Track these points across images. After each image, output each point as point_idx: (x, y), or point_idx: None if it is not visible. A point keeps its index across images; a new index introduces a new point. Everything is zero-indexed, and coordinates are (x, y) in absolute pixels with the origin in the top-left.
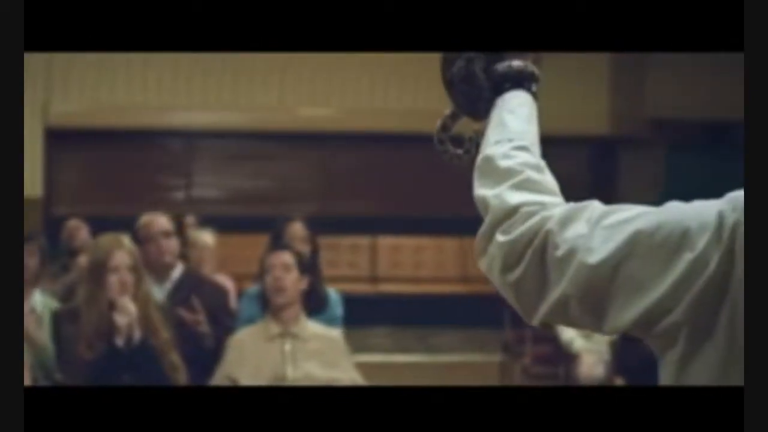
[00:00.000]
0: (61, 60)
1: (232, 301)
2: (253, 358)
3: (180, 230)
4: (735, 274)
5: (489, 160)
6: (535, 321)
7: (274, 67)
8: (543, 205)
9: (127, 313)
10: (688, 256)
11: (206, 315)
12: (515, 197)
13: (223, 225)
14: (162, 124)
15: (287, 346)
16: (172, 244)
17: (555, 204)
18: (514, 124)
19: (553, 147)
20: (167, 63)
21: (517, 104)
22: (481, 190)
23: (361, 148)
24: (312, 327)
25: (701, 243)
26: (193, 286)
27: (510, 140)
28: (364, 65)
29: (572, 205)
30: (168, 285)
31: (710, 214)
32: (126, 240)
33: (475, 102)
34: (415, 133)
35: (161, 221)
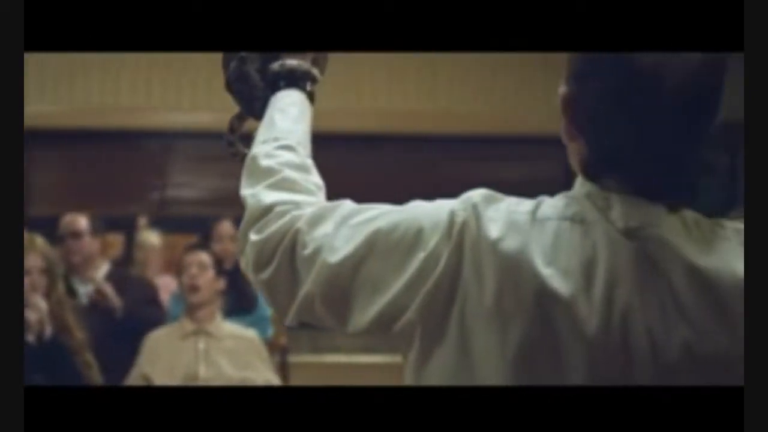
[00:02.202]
0: (34, 60)
1: (168, 300)
2: (166, 357)
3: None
4: (463, 273)
5: (252, 159)
6: (288, 321)
7: None
8: (296, 205)
9: (36, 309)
10: (420, 255)
11: (128, 307)
12: (270, 196)
13: (198, 225)
14: (136, 124)
15: (201, 345)
16: (80, 245)
17: (309, 203)
18: (281, 123)
19: (535, 148)
20: (142, 63)
21: (287, 103)
22: (243, 190)
23: (337, 148)
24: (228, 326)
25: (432, 242)
26: (118, 284)
27: (275, 139)
28: (338, 65)
29: (324, 204)
30: (92, 284)
31: (443, 212)
32: (39, 240)
33: (251, 102)
34: (392, 134)
35: (70, 221)
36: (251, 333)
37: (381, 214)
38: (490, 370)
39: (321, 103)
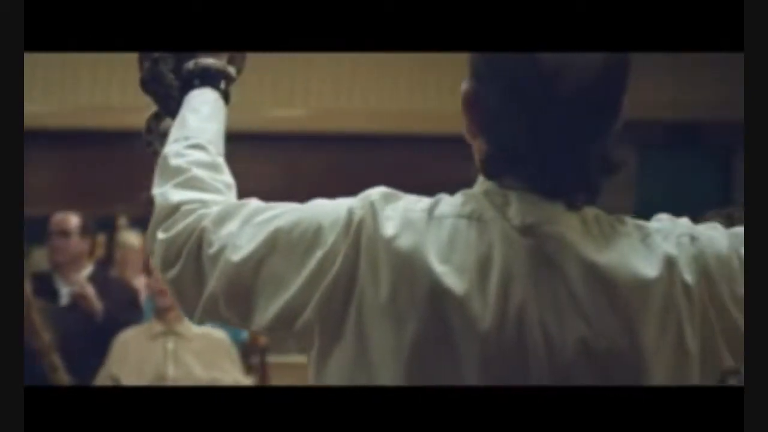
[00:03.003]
0: (27, 61)
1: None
2: (135, 357)
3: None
4: (360, 271)
5: (163, 158)
6: (195, 320)
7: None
8: (203, 203)
9: None
10: (318, 253)
11: (109, 309)
12: (177, 195)
13: None
14: (127, 125)
15: (170, 345)
16: (67, 245)
17: (216, 202)
18: (192, 122)
19: None
20: (133, 64)
21: (200, 102)
22: (153, 189)
23: (328, 149)
24: (197, 327)
25: (330, 239)
26: (100, 286)
27: (186, 138)
28: (328, 66)
29: (230, 202)
30: (75, 286)
31: (342, 210)
32: None
33: (167, 101)
34: (383, 134)
35: (60, 220)
36: (220, 334)
37: (284, 213)
38: (386, 368)
39: (314, 104)
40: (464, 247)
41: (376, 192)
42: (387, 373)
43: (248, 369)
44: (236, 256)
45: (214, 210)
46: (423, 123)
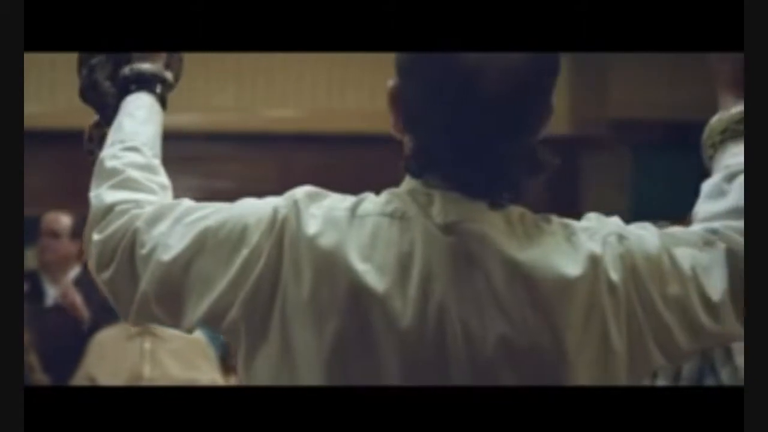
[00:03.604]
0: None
1: None
2: (112, 357)
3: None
4: (284, 269)
5: (99, 161)
6: (129, 321)
7: (229, 67)
8: (137, 204)
9: None
10: (244, 252)
11: (92, 312)
12: (112, 196)
13: None
14: None
15: (147, 345)
16: (57, 245)
17: (150, 203)
18: (128, 126)
19: None
20: None
21: (135, 106)
22: (90, 192)
23: (321, 149)
24: None
25: (255, 238)
26: (86, 287)
27: (121, 141)
28: (321, 65)
29: (163, 203)
30: (61, 286)
31: (267, 209)
32: None
33: (104, 109)
34: (376, 135)
35: (51, 220)
36: (197, 334)
37: (213, 212)
38: (308, 366)
39: (307, 104)
40: (386, 246)
41: (301, 191)
42: (308, 371)
43: (228, 370)
44: (166, 256)
45: (147, 210)
46: None
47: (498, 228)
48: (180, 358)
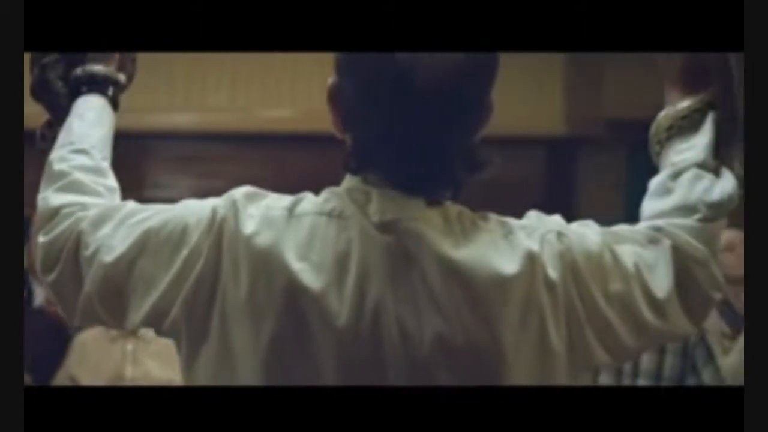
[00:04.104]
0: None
1: None
2: (93, 358)
3: None
4: (223, 269)
5: (48, 164)
6: (75, 322)
7: (225, 67)
8: (83, 206)
9: None
10: (184, 253)
11: None
12: (58, 199)
13: None
14: (124, 126)
15: (129, 346)
16: None
17: (96, 205)
18: (78, 128)
19: (507, 148)
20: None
21: (86, 108)
22: (38, 194)
23: (316, 149)
24: None
25: (195, 238)
26: None
27: (71, 143)
28: (317, 66)
29: (108, 204)
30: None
31: (207, 209)
32: None
33: (55, 109)
34: None
35: None
36: None
37: (155, 213)
38: (246, 366)
39: (302, 105)
40: (323, 245)
41: (240, 191)
42: (247, 371)
43: None
44: (109, 257)
45: (92, 212)
46: None
47: (435, 226)
48: (162, 359)
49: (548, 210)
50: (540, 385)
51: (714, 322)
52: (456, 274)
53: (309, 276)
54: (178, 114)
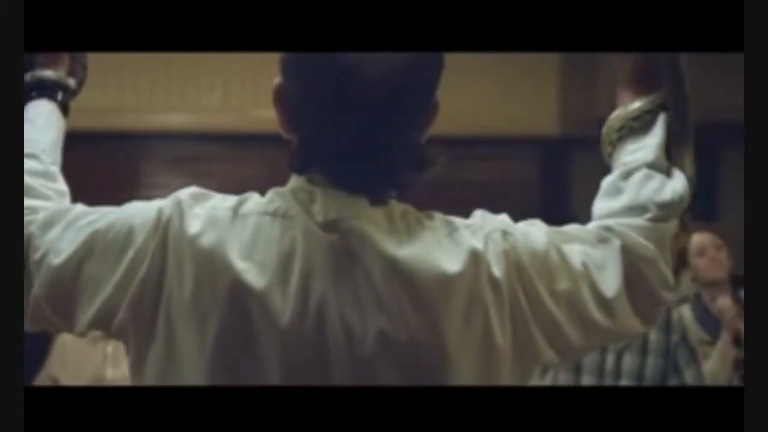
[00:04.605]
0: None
1: None
2: (73, 359)
3: None
4: (168, 270)
5: None
6: (26, 325)
7: (219, 67)
8: (33, 210)
9: None
10: (130, 253)
11: None
12: None
13: None
14: (107, 126)
15: (109, 348)
16: None
17: (45, 209)
18: (27, 133)
19: (502, 148)
20: (112, 65)
21: (35, 113)
22: None
23: None
24: None
25: (140, 238)
26: None
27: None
28: None
29: (57, 208)
30: None
31: (153, 210)
32: None
33: None
34: None
35: None
36: None
37: (103, 216)
38: (191, 366)
39: None
40: (267, 244)
41: (185, 191)
42: (192, 371)
43: None
44: (57, 260)
45: (41, 216)
46: None
47: (379, 225)
48: None
49: (544, 210)
50: (544, 386)
51: (691, 328)
52: (399, 272)
53: (252, 275)
54: (172, 114)
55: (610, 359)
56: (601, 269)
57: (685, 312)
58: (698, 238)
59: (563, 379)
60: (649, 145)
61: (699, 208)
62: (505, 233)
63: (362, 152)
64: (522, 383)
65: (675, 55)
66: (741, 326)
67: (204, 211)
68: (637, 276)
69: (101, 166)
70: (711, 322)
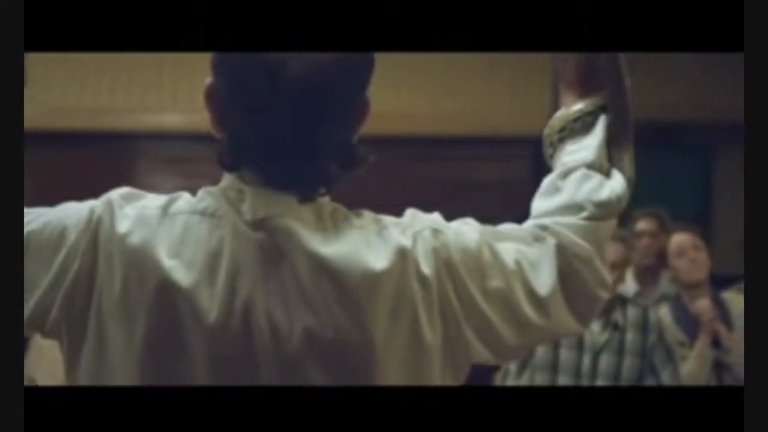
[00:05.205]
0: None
1: None
2: (50, 360)
3: None
4: (99, 269)
5: None
6: None
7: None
8: None
9: None
10: (62, 252)
11: None
12: None
13: None
14: (101, 126)
15: None
16: None
17: None
18: None
19: (502, 148)
20: (106, 65)
21: None
22: None
23: None
24: None
25: (72, 238)
26: None
27: None
28: None
29: None
30: None
31: (85, 210)
32: None
33: None
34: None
35: None
36: None
37: (37, 216)
38: (122, 365)
39: None
40: (195, 243)
41: (117, 191)
42: (122, 369)
43: None
44: None
45: None
46: (396, 123)
47: (307, 223)
48: None
49: None
50: (548, 386)
51: (670, 330)
52: (326, 270)
53: (180, 273)
54: (166, 114)
55: (587, 360)
56: (535, 267)
57: (665, 313)
58: (677, 239)
59: (540, 379)
60: (588, 146)
61: (694, 208)
62: (435, 231)
63: (289, 150)
64: (455, 382)
65: (616, 58)
66: (720, 328)
67: (134, 211)
68: (572, 274)
69: (95, 165)
70: (690, 324)
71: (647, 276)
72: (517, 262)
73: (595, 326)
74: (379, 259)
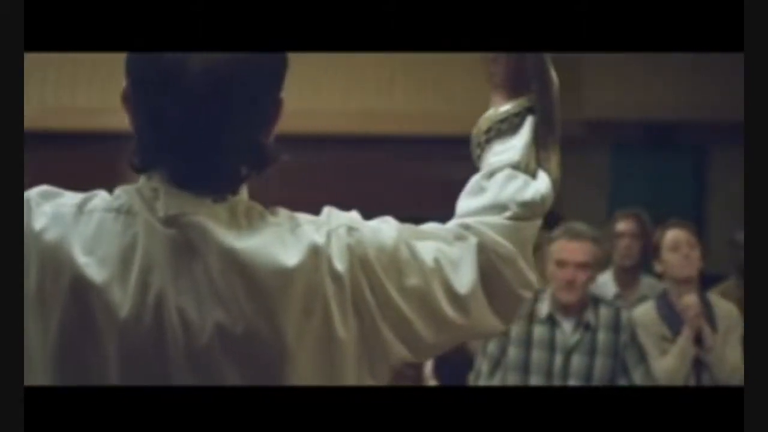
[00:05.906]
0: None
1: None
2: None
3: None
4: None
5: None
6: None
7: None
8: None
9: None
10: None
11: None
12: None
13: None
14: (95, 126)
15: None
16: None
17: None
18: None
19: None
20: (100, 64)
21: None
22: None
23: (301, 150)
24: None
25: None
26: None
27: None
28: (299, 66)
29: None
30: None
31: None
32: None
33: None
34: (354, 135)
35: None
36: None
37: None
38: (38, 361)
39: (289, 105)
40: (109, 239)
41: (35, 189)
42: (38, 364)
43: None
44: None
45: None
46: (392, 123)
47: (220, 219)
48: None
49: None
50: (528, 385)
51: (655, 324)
52: (237, 265)
53: (93, 270)
54: None
55: (559, 360)
56: (455, 266)
57: (650, 307)
58: (673, 234)
59: (512, 380)
60: (514, 147)
61: (684, 207)
62: (350, 229)
63: (194, 151)
64: (373, 378)
65: (543, 60)
66: (704, 326)
67: (51, 209)
68: (494, 274)
69: (90, 165)
70: (675, 319)
71: (627, 277)
72: (437, 261)
73: (567, 326)
74: (291, 256)
